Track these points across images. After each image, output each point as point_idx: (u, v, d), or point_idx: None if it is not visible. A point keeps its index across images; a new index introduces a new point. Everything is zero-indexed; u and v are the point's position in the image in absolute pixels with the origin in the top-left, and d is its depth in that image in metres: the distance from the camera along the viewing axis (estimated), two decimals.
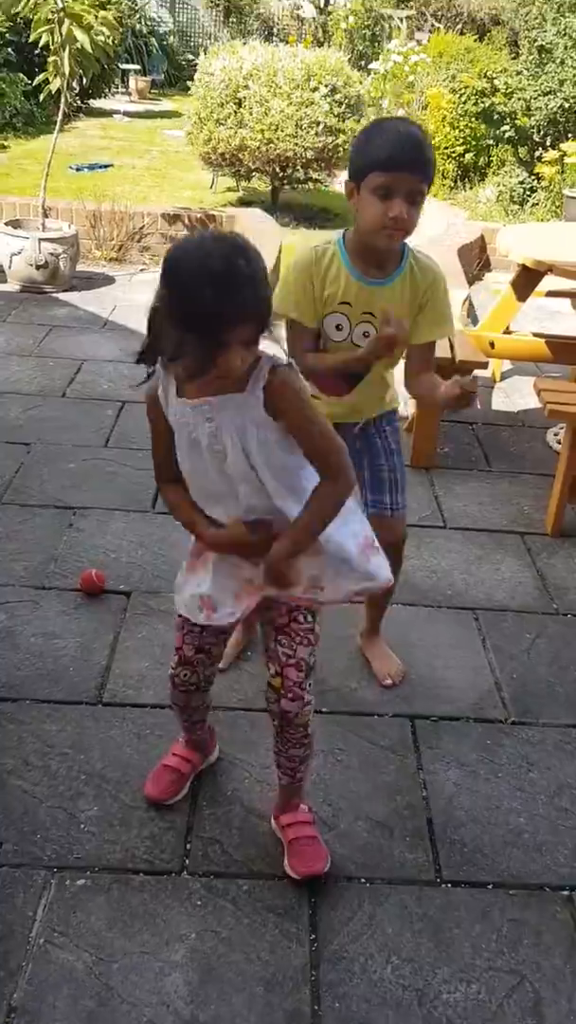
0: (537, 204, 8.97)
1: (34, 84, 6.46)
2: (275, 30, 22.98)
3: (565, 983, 1.79)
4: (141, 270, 6.49)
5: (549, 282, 4.51)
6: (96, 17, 5.51)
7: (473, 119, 9.78)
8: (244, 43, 8.27)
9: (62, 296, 5.74)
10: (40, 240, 5.65)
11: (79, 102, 12.80)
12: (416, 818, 2.14)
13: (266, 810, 2.11)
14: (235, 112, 7.44)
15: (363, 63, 14.36)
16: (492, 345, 4.41)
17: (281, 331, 2.06)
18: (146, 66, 17.20)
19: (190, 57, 16.38)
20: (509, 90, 9.61)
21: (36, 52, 6.50)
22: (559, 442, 3.88)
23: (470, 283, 6.18)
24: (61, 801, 2.10)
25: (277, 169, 7.69)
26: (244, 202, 8.46)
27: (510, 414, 4.54)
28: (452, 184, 9.94)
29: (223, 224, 6.64)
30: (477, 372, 4.10)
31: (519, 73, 9.74)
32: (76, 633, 2.66)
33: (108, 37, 5.60)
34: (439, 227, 7.35)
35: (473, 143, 9.84)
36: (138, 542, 3.12)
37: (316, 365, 2.19)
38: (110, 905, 1.87)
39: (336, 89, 7.49)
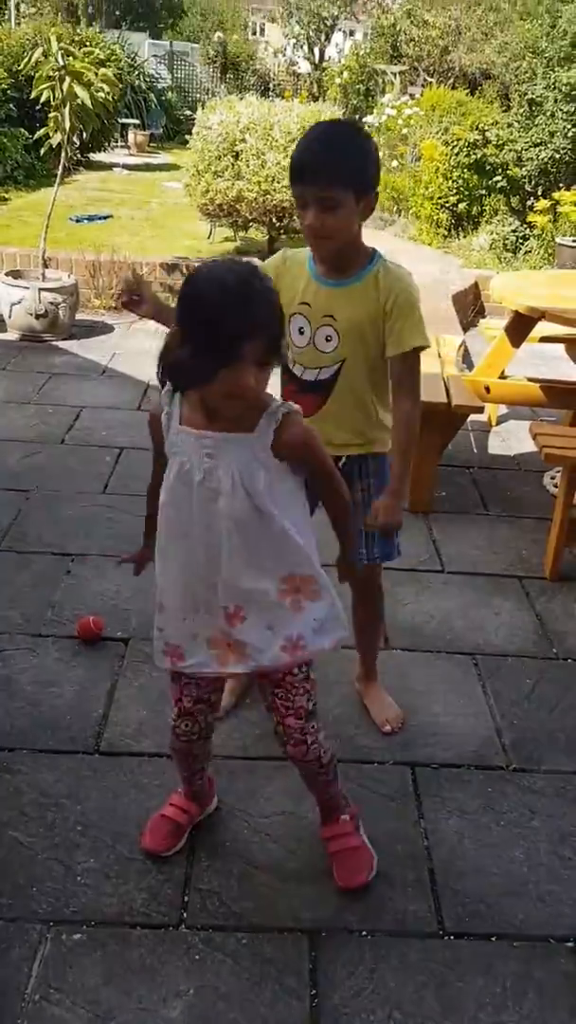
0: (530, 252, 9.10)
1: (35, 138, 6.58)
2: (271, 85, 23.47)
3: None
4: (140, 318, 6.54)
5: (543, 328, 4.56)
6: (96, 74, 5.65)
7: (466, 170, 9.97)
8: (241, 98, 8.44)
9: (61, 344, 5.79)
10: (40, 290, 5.71)
11: (79, 155, 13.02)
12: (418, 868, 2.11)
13: (265, 861, 2.08)
14: (232, 164, 7.57)
15: (358, 117, 14.67)
16: (488, 389, 4.44)
17: None
18: (145, 120, 17.54)
19: (188, 112, 16.71)
20: (501, 142, 9.82)
21: (37, 108, 6.63)
22: (556, 486, 3.89)
23: (465, 329, 6.25)
24: (57, 852, 2.07)
25: (274, 219, 7.80)
26: (241, 251, 8.57)
27: (507, 458, 4.56)
28: (446, 233, 10.09)
29: None
30: (473, 416, 4.14)
31: (510, 125, 9.94)
32: (73, 681, 2.64)
33: (108, 93, 5.73)
34: (434, 274, 7.45)
35: (466, 193, 10.01)
36: (136, 588, 3.11)
37: None
38: (107, 960, 1.83)
39: None
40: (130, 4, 29.71)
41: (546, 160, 9.51)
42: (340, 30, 23.82)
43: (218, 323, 1.52)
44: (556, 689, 2.79)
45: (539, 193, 9.61)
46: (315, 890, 2.03)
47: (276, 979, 1.82)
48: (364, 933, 1.94)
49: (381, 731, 2.52)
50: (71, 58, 5.58)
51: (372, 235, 10.47)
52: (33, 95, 5.76)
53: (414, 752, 2.47)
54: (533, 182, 9.76)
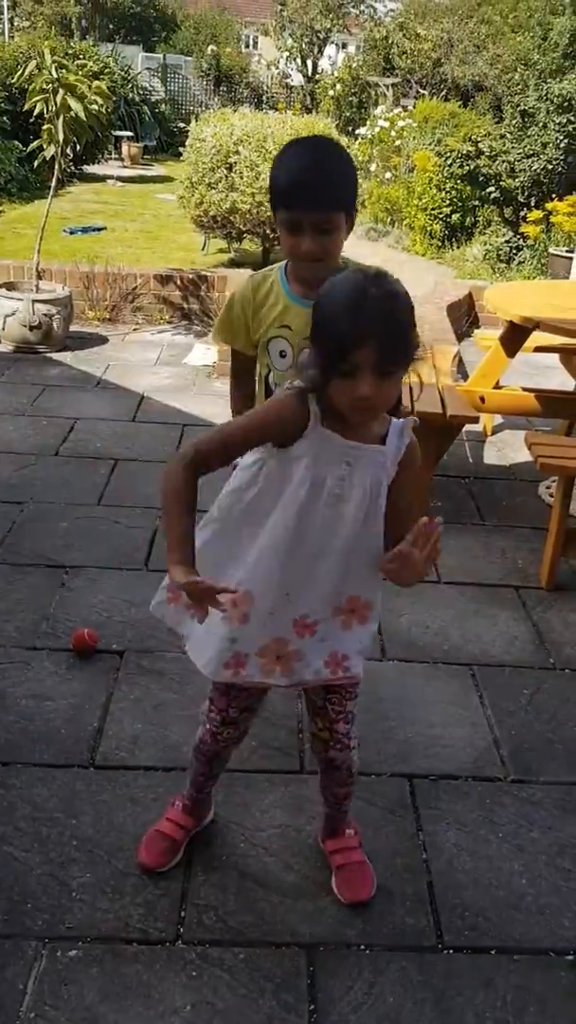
0: (523, 262, 9.14)
1: (28, 151, 6.59)
2: (264, 98, 23.60)
3: None
4: (134, 330, 6.56)
5: (538, 338, 4.56)
6: (90, 87, 5.66)
7: (459, 181, 10.02)
8: (234, 110, 8.48)
9: (55, 356, 5.79)
10: (34, 301, 5.71)
11: (73, 168, 13.07)
12: (416, 881, 2.09)
13: (262, 875, 2.06)
14: (226, 176, 7.60)
15: (351, 129, 14.74)
16: (482, 400, 4.44)
17: None
18: (139, 133, 17.62)
19: (181, 125, 16.78)
20: (493, 153, 9.87)
21: (31, 120, 6.64)
22: (551, 495, 3.89)
23: (459, 339, 6.26)
24: (52, 868, 2.05)
25: (268, 231, 7.82)
26: (235, 263, 8.60)
27: (502, 468, 4.56)
28: (440, 243, 10.13)
29: (215, 283, 6.74)
30: (469, 426, 4.14)
31: (503, 137, 10.00)
32: (68, 694, 2.63)
33: (101, 106, 5.74)
34: (428, 285, 7.47)
35: (459, 204, 10.06)
36: (131, 601, 3.10)
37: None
38: (103, 977, 1.81)
39: None
40: (123, 17, 29.83)
41: (539, 171, 9.56)
42: (333, 43, 23.98)
43: (333, 333, 1.50)
44: (554, 699, 2.78)
45: (532, 204, 9.65)
46: (313, 904, 2.01)
47: (274, 994, 1.80)
48: (363, 947, 1.92)
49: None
50: (64, 71, 5.59)
51: (367, 247, 10.52)
52: (27, 107, 5.77)
53: (412, 764, 2.46)
54: (526, 193, 9.81)
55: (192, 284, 6.75)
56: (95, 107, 5.64)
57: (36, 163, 6.21)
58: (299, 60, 22.24)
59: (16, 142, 11.21)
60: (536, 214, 9.09)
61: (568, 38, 10.64)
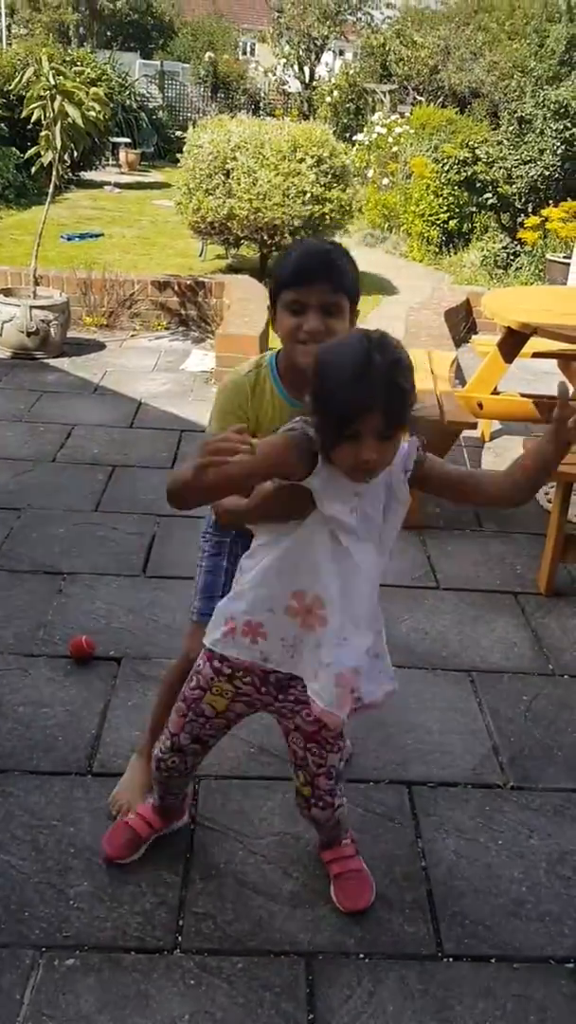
0: (521, 268, 9.15)
1: (26, 157, 6.60)
2: (262, 104, 23.66)
3: None
4: (131, 336, 6.56)
5: (535, 343, 4.56)
6: (87, 94, 5.66)
7: (456, 187, 10.04)
8: (232, 117, 8.50)
9: (53, 362, 5.78)
10: (31, 308, 5.71)
11: (70, 174, 13.09)
12: (415, 889, 2.08)
13: (261, 883, 2.05)
14: (223, 182, 7.61)
15: (348, 135, 14.78)
16: (480, 405, 4.44)
17: None
18: (136, 139, 17.64)
19: (179, 132, 16.81)
20: (490, 159, 9.89)
21: (28, 127, 6.65)
22: (550, 501, 3.88)
23: (457, 345, 6.26)
24: (49, 876, 2.03)
25: (265, 237, 7.84)
26: (233, 269, 8.61)
27: None
28: (437, 249, 10.15)
29: (212, 289, 6.74)
30: (467, 432, 4.14)
31: (500, 143, 10.03)
32: (65, 701, 2.61)
33: (99, 112, 5.75)
34: (425, 291, 7.48)
35: (456, 210, 10.08)
36: (128, 607, 3.09)
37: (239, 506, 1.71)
38: (100, 986, 1.80)
39: (322, 160, 7.67)
40: (121, 24, 29.94)
41: (536, 177, 9.58)
42: (330, 50, 24.07)
43: (334, 404, 1.50)
44: (553, 705, 2.77)
45: (529, 210, 9.67)
46: (312, 913, 2.00)
47: (273, 1004, 1.79)
48: (362, 956, 1.91)
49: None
50: (62, 78, 5.59)
51: (365, 252, 10.51)
52: (24, 114, 5.78)
53: (411, 771, 2.45)
54: (523, 199, 9.83)
55: (190, 290, 6.75)
56: (92, 114, 5.65)
57: (33, 169, 6.21)
58: (296, 67, 22.31)
59: (14, 148, 11.23)
60: (533, 220, 9.10)
61: (564, 45, 10.70)
